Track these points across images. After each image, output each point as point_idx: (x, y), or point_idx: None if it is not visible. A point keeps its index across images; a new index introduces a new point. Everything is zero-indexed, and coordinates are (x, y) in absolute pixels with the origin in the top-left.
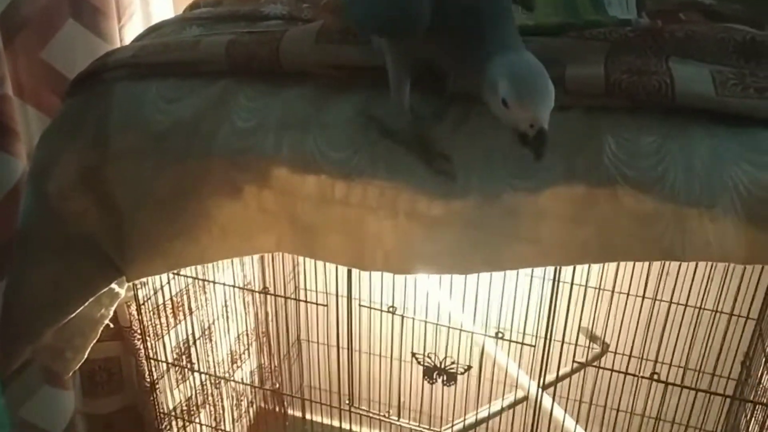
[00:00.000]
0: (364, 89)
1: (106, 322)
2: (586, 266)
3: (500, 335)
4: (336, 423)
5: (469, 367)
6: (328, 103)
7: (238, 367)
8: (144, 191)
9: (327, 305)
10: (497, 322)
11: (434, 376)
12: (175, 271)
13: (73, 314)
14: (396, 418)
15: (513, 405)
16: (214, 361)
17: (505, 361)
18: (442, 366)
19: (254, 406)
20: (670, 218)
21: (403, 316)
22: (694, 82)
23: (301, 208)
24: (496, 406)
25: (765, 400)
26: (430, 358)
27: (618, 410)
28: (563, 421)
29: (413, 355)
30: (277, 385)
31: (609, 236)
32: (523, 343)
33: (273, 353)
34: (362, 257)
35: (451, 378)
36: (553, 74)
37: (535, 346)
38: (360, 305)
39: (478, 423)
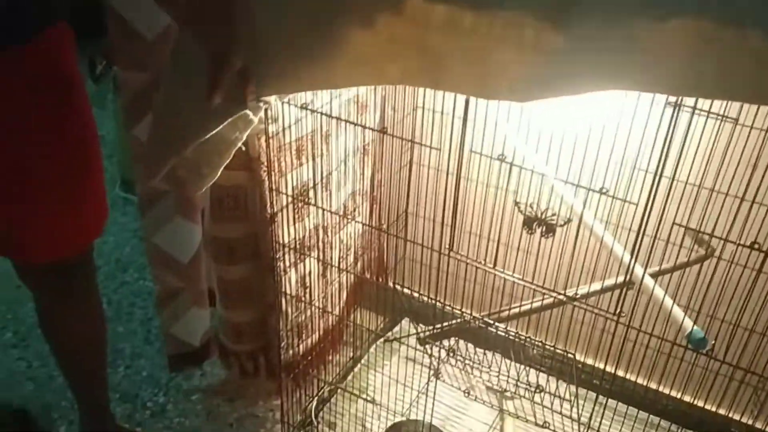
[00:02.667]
0: None
1: (239, 145)
2: (699, 166)
3: (604, 191)
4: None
5: (569, 220)
6: None
7: (347, 222)
8: (281, 16)
9: (440, 149)
10: (603, 179)
11: (533, 227)
12: (307, 107)
13: (213, 132)
14: (492, 266)
15: (612, 288)
16: (329, 210)
17: (601, 221)
18: (543, 217)
19: (358, 266)
20: None
21: (511, 164)
22: None
23: (430, 37)
24: (596, 283)
25: None
26: (531, 207)
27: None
28: (662, 301)
29: (516, 203)
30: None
31: (726, 73)
32: (625, 200)
33: (382, 212)
34: (486, 86)
35: (550, 229)
36: None
37: (637, 205)
38: (471, 151)
39: (583, 295)
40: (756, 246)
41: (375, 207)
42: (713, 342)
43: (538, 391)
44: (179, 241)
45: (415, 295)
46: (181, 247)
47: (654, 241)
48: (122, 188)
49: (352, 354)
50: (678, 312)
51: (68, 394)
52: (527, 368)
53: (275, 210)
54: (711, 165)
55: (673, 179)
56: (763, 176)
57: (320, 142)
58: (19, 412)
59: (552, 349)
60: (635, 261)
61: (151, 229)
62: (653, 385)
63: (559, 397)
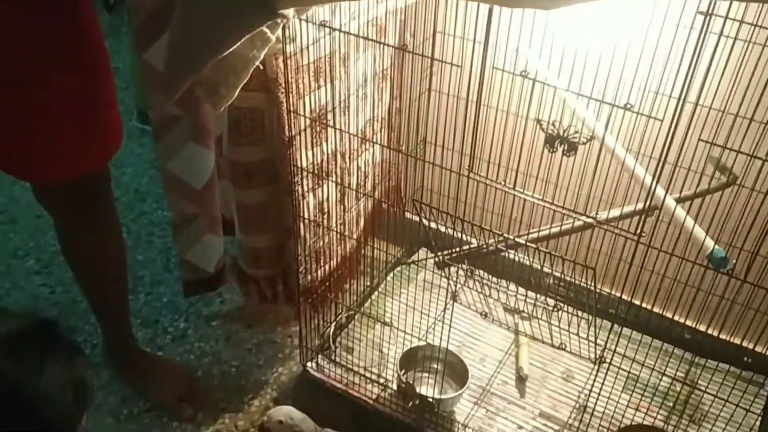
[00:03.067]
0: None
1: (257, 63)
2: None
3: (629, 107)
4: (453, 188)
5: (592, 138)
6: None
7: (365, 149)
8: None
9: (461, 66)
10: (628, 94)
11: (555, 145)
12: (326, 25)
13: (231, 48)
14: (511, 186)
15: (634, 214)
16: (348, 132)
17: (623, 143)
18: (565, 134)
19: (376, 193)
20: None
21: (534, 80)
22: None
23: None
24: (616, 207)
25: None
26: (554, 125)
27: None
28: (683, 222)
29: (538, 121)
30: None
31: None
32: (650, 116)
33: (401, 139)
34: None
35: (571, 147)
36: None
37: (662, 121)
38: (493, 67)
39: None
40: None
41: (393, 134)
42: (734, 261)
43: (555, 310)
44: (193, 167)
45: (433, 225)
46: (195, 174)
47: (676, 167)
48: (138, 119)
49: (369, 282)
50: (699, 232)
51: (91, 319)
52: (545, 295)
53: (293, 133)
54: (737, 90)
55: (696, 103)
56: None
57: (338, 64)
58: (46, 321)
59: (569, 277)
60: (657, 183)
61: (165, 156)
62: (669, 314)
63: (577, 315)
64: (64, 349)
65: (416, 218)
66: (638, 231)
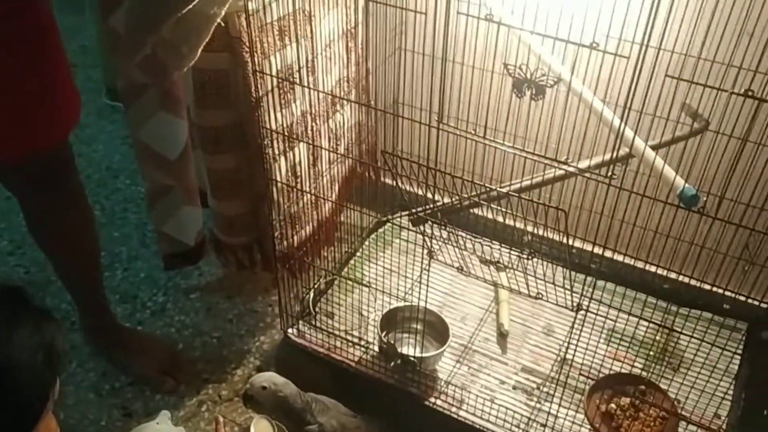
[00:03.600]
0: None
1: (218, 21)
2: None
3: (595, 45)
4: (424, 146)
5: (559, 80)
6: None
7: (335, 111)
8: None
9: (426, 13)
10: (593, 32)
11: (523, 89)
12: None
13: (191, 5)
14: (482, 135)
15: (602, 164)
16: (317, 92)
17: (590, 85)
18: (532, 78)
19: (347, 161)
20: None
21: (499, 24)
22: None
23: None
24: (583, 163)
25: None
26: (521, 69)
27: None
28: (652, 162)
29: (505, 65)
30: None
31: None
32: (616, 54)
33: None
34: None
35: (539, 91)
36: None
37: (629, 58)
38: (458, 12)
39: (564, 176)
40: (750, 93)
41: (364, 96)
42: (705, 198)
43: (530, 258)
44: (165, 136)
45: (406, 184)
46: (168, 144)
47: (642, 112)
48: (108, 96)
49: (347, 247)
50: (669, 172)
51: (68, 297)
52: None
53: (260, 94)
54: (697, 32)
55: (659, 48)
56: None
57: (304, 22)
58: (13, 287)
59: (543, 230)
60: (625, 124)
61: (135, 125)
62: (641, 265)
63: (552, 263)
64: (33, 313)
65: (391, 181)
66: (609, 174)
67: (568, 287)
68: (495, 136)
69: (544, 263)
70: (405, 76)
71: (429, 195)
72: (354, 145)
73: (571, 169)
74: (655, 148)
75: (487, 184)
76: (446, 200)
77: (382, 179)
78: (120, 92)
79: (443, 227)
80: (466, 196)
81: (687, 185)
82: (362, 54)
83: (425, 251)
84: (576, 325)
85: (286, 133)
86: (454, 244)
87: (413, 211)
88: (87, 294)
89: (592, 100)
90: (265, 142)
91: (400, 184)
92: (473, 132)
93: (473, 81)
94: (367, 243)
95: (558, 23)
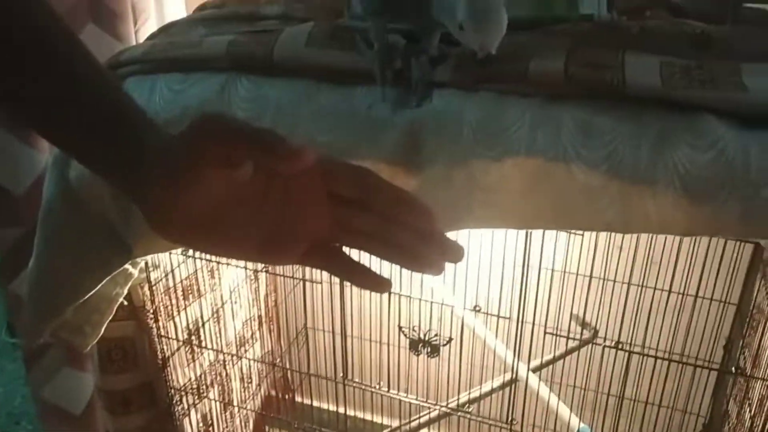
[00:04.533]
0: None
1: (121, 300)
2: (573, 252)
3: (477, 309)
4: (333, 405)
5: (450, 339)
6: (320, 93)
7: (245, 351)
8: None
9: (321, 282)
10: (475, 297)
11: (419, 348)
12: (187, 254)
13: (92, 292)
14: (386, 389)
15: (501, 387)
16: (223, 342)
17: (488, 337)
18: (426, 338)
19: (262, 389)
20: (615, 194)
21: (389, 292)
22: (643, 76)
23: None
24: (485, 388)
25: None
26: (414, 330)
27: (609, 394)
28: (548, 400)
29: (400, 328)
30: (283, 363)
31: (561, 206)
32: (499, 316)
33: (281, 337)
34: None
35: (434, 350)
36: (519, 68)
37: (509, 318)
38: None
39: (470, 402)
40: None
41: (273, 328)
42: None
43: None
44: (70, 392)
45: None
46: (73, 399)
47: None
48: (8, 333)
49: None
50: (564, 410)
51: None
52: None
53: (167, 355)
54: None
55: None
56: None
57: (207, 277)
58: None
59: None
60: (518, 359)
61: (39, 383)
62: None
63: None
64: None
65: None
66: (509, 418)
67: None
68: (399, 387)
69: None
70: (317, 348)
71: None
72: (267, 377)
73: (472, 417)
74: (547, 364)
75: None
76: None
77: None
78: (23, 350)
79: None
80: None
81: (582, 425)
82: (269, 290)
83: None
84: None
85: (194, 388)
86: None
87: None
88: None
89: (485, 336)
90: (175, 401)
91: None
92: (377, 387)
93: (372, 342)
94: None
95: (443, 289)
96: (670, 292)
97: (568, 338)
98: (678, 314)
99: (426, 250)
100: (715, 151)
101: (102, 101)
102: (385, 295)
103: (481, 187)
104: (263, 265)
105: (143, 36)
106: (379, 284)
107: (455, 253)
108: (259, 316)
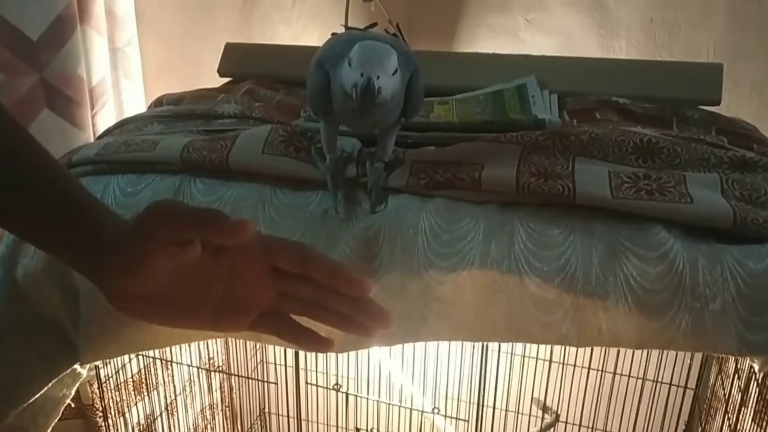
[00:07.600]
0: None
1: (68, 401)
2: None
3: (436, 410)
4: None
5: None
6: (275, 197)
7: None
8: None
9: (277, 383)
10: (434, 397)
11: None
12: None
13: (37, 395)
14: None
15: None
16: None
17: None
18: None
19: None
20: (569, 307)
21: (347, 393)
22: (592, 186)
23: None
24: None
25: None
26: None
27: None
28: None
29: (357, 430)
30: None
31: (515, 319)
32: (457, 418)
33: (235, 424)
34: None
35: None
36: (473, 175)
37: (468, 421)
38: (307, 383)
39: None
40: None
41: (228, 415)
42: None
43: None
44: None
45: None
46: None
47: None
48: None
49: None
50: None
51: None
52: None
53: None
54: None
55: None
56: None
57: (161, 368)
58: None
59: None
60: None
61: None
62: None
63: None
64: None
65: None
66: None
67: None
68: None
69: None
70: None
71: None
72: None
73: None
74: None
75: None
76: None
77: None
78: None
79: None
80: None
81: None
82: (225, 377)
83: None
84: None
85: None
86: None
87: None
88: None
89: None
90: None
91: None
92: None
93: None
94: None
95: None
96: (629, 377)
97: (530, 422)
98: (638, 398)
99: (359, 316)
100: (665, 264)
101: (53, 189)
102: (342, 397)
103: (436, 299)
104: (217, 363)
105: (101, 121)
106: (324, 345)
107: (384, 319)
108: (215, 405)
